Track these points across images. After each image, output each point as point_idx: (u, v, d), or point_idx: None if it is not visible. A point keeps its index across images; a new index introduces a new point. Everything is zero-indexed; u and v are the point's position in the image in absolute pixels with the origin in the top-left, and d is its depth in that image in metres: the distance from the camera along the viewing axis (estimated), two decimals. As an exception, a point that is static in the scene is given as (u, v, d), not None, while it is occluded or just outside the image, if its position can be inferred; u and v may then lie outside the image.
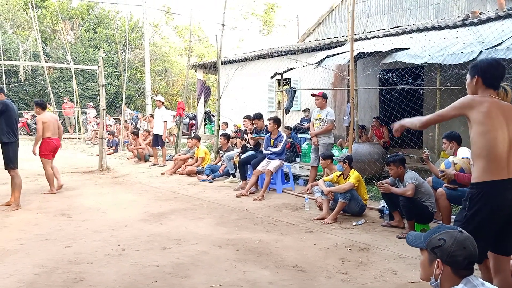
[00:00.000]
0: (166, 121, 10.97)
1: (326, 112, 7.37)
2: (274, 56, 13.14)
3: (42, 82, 21.67)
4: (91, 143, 16.52)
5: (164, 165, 10.70)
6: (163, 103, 11.36)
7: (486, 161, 2.55)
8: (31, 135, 18.92)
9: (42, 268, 3.84)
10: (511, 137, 2.58)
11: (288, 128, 10.64)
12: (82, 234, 4.93)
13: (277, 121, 7.57)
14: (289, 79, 12.66)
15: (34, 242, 4.65)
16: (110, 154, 13.01)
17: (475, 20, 8.82)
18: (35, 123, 18.78)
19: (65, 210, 6.18)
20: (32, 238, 4.80)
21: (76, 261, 4.03)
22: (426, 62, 7.40)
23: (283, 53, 12.95)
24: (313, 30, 17.21)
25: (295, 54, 12.64)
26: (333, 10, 16.46)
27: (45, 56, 21.45)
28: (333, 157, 6.61)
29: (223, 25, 10.61)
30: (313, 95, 7.59)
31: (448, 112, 2.71)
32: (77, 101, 17.93)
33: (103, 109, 10.37)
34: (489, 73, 2.69)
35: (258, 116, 8.08)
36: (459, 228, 1.95)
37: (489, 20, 8.62)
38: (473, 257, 1.87)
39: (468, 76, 2.81)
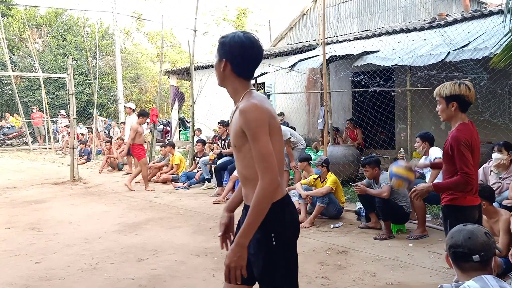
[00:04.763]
0: None
1: None
2: (248, 61, 13.12)
3: (10, 92, 21.02)
4: (62, 153, 16.07)
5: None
6: (133, 110, 11.10)
7: None
8: (-2, 146, 18.29)
9: (12, 286, 3.68)
10: None
11: None
12: (53, 249, 4.76)
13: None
14: (263, 83, 12.67)
15: (2, 259, 4.46)
16: (82, 164, 12.67)
17: (442, 22, 9.05)
18: (3, 135, 18.31)
19: (35, 224, 5.95)
20: (1, 254, 4.60)
21: (47, 277, 3.88)
22: (396, 64, 7.53)
23: (256, 57, 12.94)
24: (285, 35, 17.33)
25: (268, 58, 12.66)
26: (304, 14, 16.63)
27: (12, 65, 20.81)
28: (310, 160, 6.62)
29: (195, 30, 10.55)
30: None
31: (268, 140, 1.83)
32: (46, 110, 17.44)
33: (74, 118, 10.11)
34: (240, 56, 1.93)
35: (228, 123, 8.06)
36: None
37: (455, 22, 8.86)
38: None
39: (216, 55, 2.03)
